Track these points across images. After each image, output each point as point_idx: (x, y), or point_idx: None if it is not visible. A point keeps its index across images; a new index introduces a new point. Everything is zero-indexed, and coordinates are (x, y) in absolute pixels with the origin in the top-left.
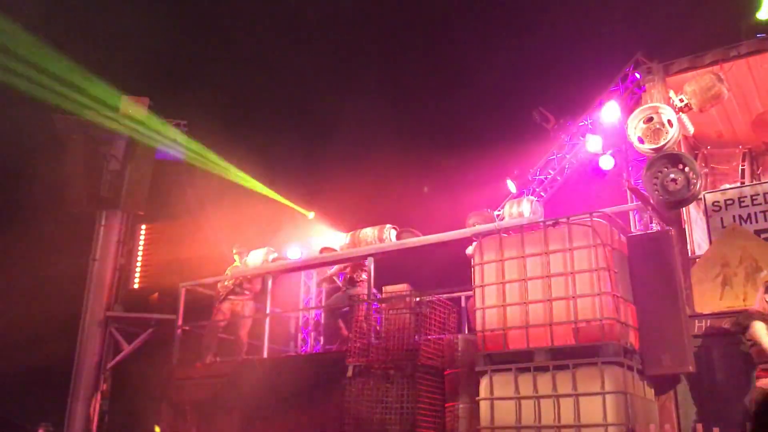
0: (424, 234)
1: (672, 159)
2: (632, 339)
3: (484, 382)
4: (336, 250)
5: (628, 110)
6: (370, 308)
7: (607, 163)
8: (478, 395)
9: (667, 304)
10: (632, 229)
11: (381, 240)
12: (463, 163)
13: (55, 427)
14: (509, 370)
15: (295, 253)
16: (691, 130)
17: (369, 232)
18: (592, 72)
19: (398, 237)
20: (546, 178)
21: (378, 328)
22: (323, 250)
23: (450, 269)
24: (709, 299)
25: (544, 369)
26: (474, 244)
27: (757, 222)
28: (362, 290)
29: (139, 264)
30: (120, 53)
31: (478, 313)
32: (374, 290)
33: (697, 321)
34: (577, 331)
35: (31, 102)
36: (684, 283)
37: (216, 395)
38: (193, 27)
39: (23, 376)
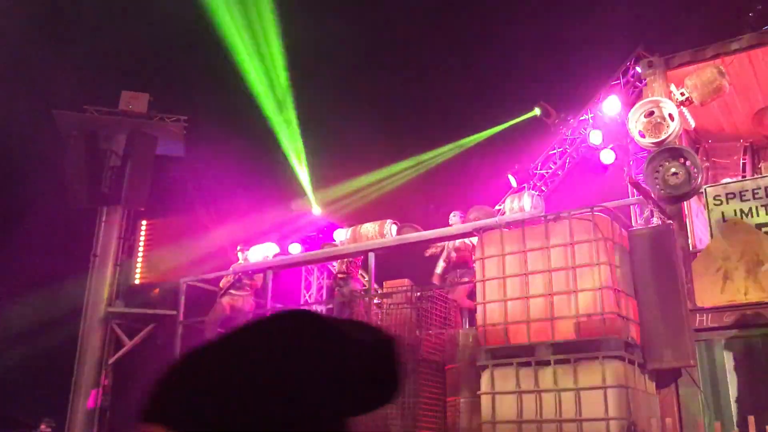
0: (425, 229)
1: (673, 153)
2: (633, 333)
3: (485, 377)
4: (336, 245)
5: (630, 104)
6: (370, 303)
7: (608, 157)
8: (479, 390)
9: (668, 298)
10: (633, 224)
11: (382, 235)
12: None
13: (56, 423)
14: (510, 364)
15: (296, 248)
16: (693, 123)
17: (370, 228)
18: (594, 66)
19: (399, 232)
20: (547, 173)
21: (379, 323)
22: (324, 245)
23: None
24: (710, 293)
25: (545, 363)
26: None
27: (758, 216)
28: (355, 286)
29: (140, 260)
30: (120, 48)
31: (479, 308)
32: (375, 285)
33: (698, 315)
34: (579, 325)
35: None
36: (685, 277)
37: None
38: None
39: (24, 371)
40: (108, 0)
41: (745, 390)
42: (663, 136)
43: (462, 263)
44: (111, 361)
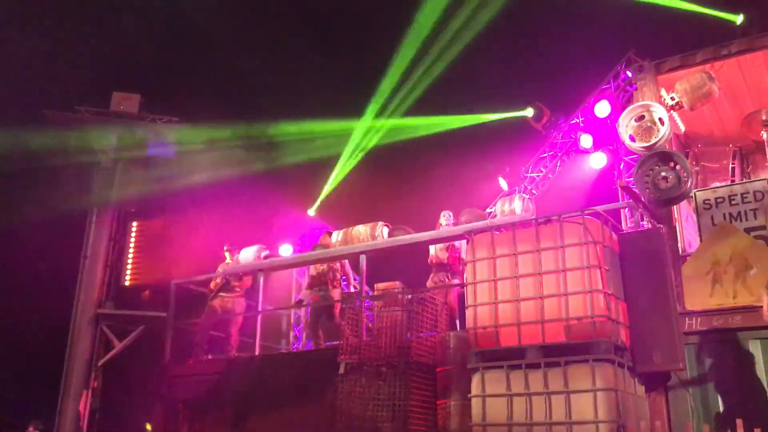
0: (417, 231)
1: (663, 157)
2: (623, 336)
3: (475, 380)
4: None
5: (620, 108)
6: (362, 306)
7: (598, 161)
8: (469, 392)
9: (657, 302)
10: (624, 227)
11: (373, 237)
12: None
13: (45, 425)
14: (501, 367)
15: (287, 250)
16: (683, 128)
17: (361, 230)
18: (585, 70)
19: (390, 234)
20: (538, 176)
21: (370, 325)
22: (316, 246)
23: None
24: (699, 297)
25: (535, 366)
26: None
27: (747, 220)
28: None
29: (130, 261)
30: (111, 49)
31: (470, 311)
32: (366, 288)
33: (687, 318)
34: (569, 328)
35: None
36: (675, 281)
37: (208, 392)
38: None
39: (14, 373)
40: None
41: (734, 393)
42: (653, 140)
43: (449, 265)
44: (101, 362)
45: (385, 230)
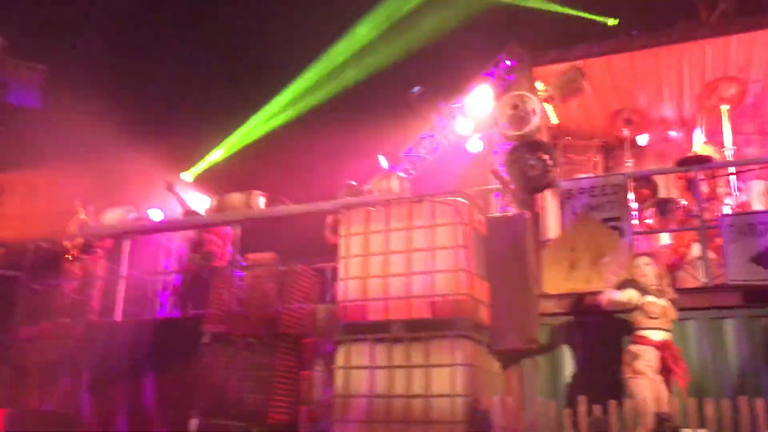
0: (294, 203)
1: (533, 146)
2: (483, 315)
3: (341, 352)
4: (200, 214)
5: (499, 96)
6: (232, 275)
7: (475, 145)
8: (334, 364)
9: (517, 284)
10: (493, 211)
11: (249, 206)
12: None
13: None
14: (366, 340)
15: (156, 214)
16: (555, 120)
17: (236, 198)
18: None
19: (267, 205)
20: (417, 156)
21: (240, 295)
22: (187, 213)
23: (318, 240)
24: (556, 281)
25: (399, 340)
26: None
27: (605, 211)
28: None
29: None
30: None
31: (340, 284)
32: (239, 257)
33: (544, 301)
34: (434, 305)
35: None
36: (535, 265)
37: (63, 357)
38: None
39: None
40: None
41: (581, 372)
42: (525, 129)
43: None
44: None
45: (262, 200)
